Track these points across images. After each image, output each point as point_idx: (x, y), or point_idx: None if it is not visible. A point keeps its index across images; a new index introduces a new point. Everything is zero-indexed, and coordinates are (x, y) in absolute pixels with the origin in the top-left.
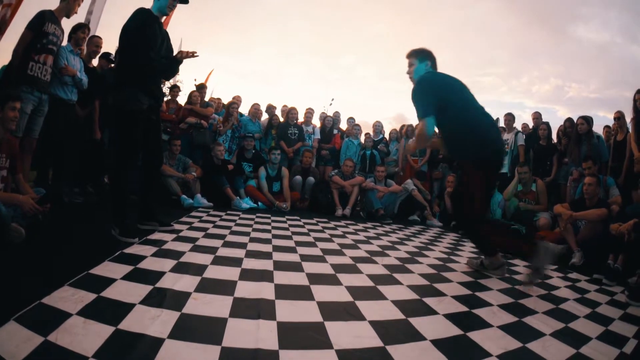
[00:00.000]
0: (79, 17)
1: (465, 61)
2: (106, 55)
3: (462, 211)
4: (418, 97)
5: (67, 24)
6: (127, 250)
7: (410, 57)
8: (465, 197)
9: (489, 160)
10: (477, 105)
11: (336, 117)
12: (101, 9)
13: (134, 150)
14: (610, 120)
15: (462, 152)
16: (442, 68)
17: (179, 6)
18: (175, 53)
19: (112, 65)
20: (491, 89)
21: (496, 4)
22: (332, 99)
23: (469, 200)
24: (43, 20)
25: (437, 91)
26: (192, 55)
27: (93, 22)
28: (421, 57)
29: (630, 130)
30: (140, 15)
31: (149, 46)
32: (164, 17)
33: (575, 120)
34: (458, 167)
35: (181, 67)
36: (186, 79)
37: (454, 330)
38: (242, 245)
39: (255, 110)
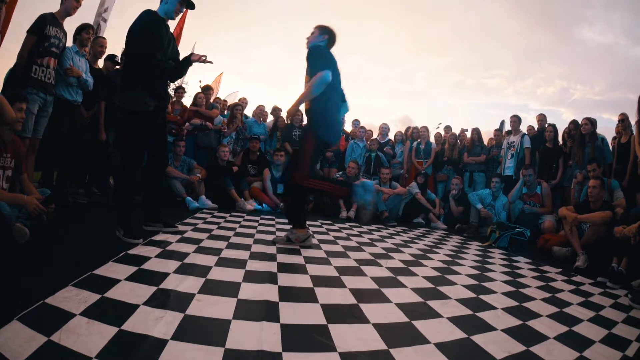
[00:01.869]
0: (87, 19)
1: (471, 63)
2: (111, 57)
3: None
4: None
5: (71, 26)
6: (132, 251)
7: (315, 29)
8: (298, 159)
9: (329, 140)
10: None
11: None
12: (109, 11)
13: (139, 152)
14: (614, 122)
15: (316, 123)
16: (447, 69)
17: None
18: (185, 55)
19: (118, 67)
20: (496, 90)
21: (502, 6)
22: None
23: (300, 163)
24: (44, 24)
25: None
26: (203, 59)
27: (103, 25)
28: (322, 32)
29: (634, 132)
30: (146, 17)
31: (155, 47)
32: (169, 20)
33: (579, 122)
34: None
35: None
36: (192, 81)
37: (458, 334)
38: (246, 247)
39: (260, 111)
